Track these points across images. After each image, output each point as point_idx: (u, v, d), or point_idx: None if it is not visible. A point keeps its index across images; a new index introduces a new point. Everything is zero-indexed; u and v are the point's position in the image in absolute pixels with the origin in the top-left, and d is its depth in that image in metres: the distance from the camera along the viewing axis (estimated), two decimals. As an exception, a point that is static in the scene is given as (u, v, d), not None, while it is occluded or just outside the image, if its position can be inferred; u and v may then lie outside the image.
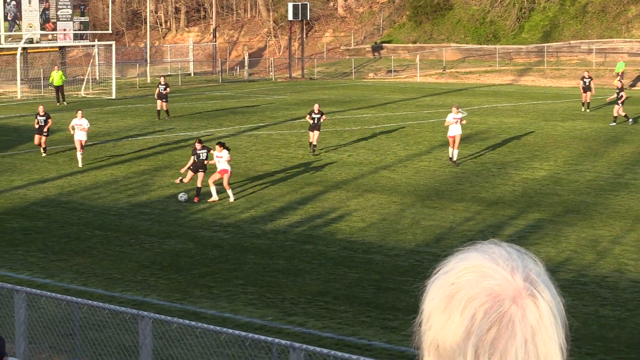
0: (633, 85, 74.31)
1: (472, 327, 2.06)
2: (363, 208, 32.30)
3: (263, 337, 14.59)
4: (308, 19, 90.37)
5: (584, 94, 56.54)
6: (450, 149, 38.95)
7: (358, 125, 51.65)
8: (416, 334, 2.16)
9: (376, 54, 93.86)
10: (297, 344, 13.19)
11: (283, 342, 13.36)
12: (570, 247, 27.46)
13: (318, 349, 14.13)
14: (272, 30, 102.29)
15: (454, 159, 39.12)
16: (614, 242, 27.87)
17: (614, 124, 50.89)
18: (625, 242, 27.80)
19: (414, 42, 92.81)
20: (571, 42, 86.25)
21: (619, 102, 51.04)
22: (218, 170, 32.84)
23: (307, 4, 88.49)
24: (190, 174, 33.40)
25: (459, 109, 38.65)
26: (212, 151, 33.30)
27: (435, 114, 57.08)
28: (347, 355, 13.48)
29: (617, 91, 51.94)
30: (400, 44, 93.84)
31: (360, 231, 29.52)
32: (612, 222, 30.11)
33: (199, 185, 32.85)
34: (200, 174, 33.10)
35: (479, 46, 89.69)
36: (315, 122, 41.29)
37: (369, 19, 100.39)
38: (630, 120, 50.93)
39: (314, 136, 41.67)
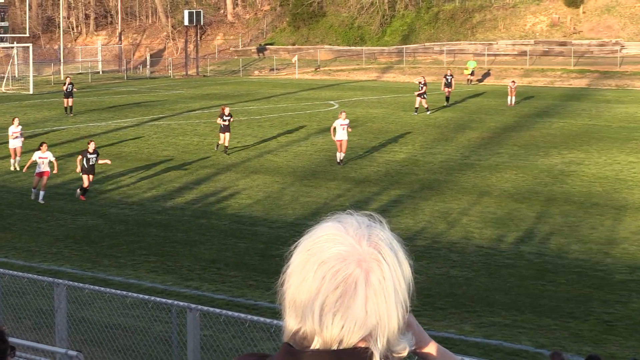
0: (481, 80, 75.42)
1: (321, 287, 2.08)
2: (250, 187, 32.31)
3: (164, 300, 14.53)
4: (202, 24, 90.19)
5: (445, 89, 56.80)
6: (338, 153, 36.30)
7: (245, 116, 51.52)
8: (279, 292, 2.18)
9: (261, 54, 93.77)
10: (193, 305, 13.15)
11: (181, 303, 13.31)
12: (426, 218, 27.83)
13: (212, 309, 14.14)
14: (170, 33, 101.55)
15: (339, 159, 36.06)
16: (462, 213, 28.31)
17: (416, 113, 51.74)
18: (471, 213, 28.27)
19: (293, 44, 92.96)
20: (426, 44, 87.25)
21: (423, 95, 51.11)
22: (42, 170, 30.29)
23: (200, 11, 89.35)
24: (86, 177, 30.36)
25: (346, 116, 36.43)
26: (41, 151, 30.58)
27: (311, 105, 57.27)
28: (236, 314, 13.49)
29: (421, 85, 51.77)
30: (281, 46, 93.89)
31: (248, 207, 29.54)
32: (461, 196, 30.58)
33: (86, 185, 30.40)
34: (90, 177, 30.44)
35: (348, 47, 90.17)
36: (226, 124, 38.50)
37: (255, 24, 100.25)
38: (429, 111, 51.50)
39: (225, 138, 38.65)
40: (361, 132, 44.45)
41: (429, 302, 19.72)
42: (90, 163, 30.30)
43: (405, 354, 2.16)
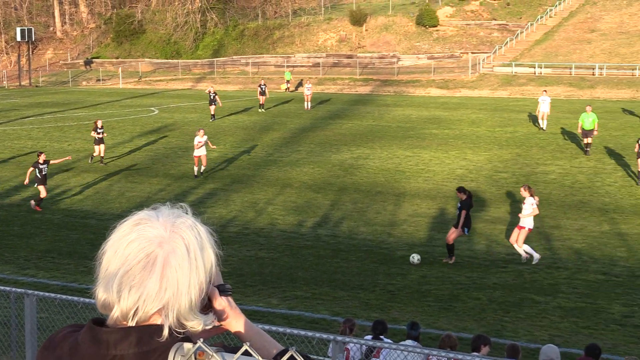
0: (296, 89, 75.88)
1: (125, 262, 2.11)
2: (80, 185, 31.58)
3: (2, 287, 14.00)
4: (33, 39, 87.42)
5: (260, 97, 56.33)
6: (195, 167, 32.90)
7: (75, 122, 50.16)
8: (96, 264, 2.18)
9: (88, 66, 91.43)
10: (30, 291, 12.72)
11: (19, 290, 12.85)
12: (237, 208, 27.86)
13: (47, 294, 13.71)
14: (4, 48, 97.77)
15: (196, 173, 32.70)
16: (268, 203, 28.47)
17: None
18: (275, 203, 28.47)
19: (117, 58, 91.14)
20: (234, 57, 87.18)
21: (214, 103, 50.25)
22: None
23: (32, 29, 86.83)
24: (42, 188, 27.83)
25: (204, 134, 33.11)
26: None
27: (134, 112, 56.25)
28: (70, 297, 13.13)
29: (211, 95, 50.46)
30: (106, 59, 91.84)
31: (79, 202, 28.88)
32: (266, 188, 30.75)
33: (43, 195, 27.84)
34: (44, 187, 27.97)
35: (166, 60, 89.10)
36: (100, 136, 35.38)
37: (82, 40, 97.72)
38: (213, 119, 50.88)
39: (100, 150, 35.57)
40: (179, 134, 44.04)
41: (240, 281, 19.74)
42: (43, 173, 27.93)
43: (199, 329, 2.16)
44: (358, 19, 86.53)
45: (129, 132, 45.72)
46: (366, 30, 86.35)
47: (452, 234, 21.32)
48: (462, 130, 44.84)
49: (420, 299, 18.63)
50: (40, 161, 28.02)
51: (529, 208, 21.48)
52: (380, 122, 49.27)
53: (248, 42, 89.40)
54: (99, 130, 35.55)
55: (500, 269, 20.80)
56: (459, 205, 21.49)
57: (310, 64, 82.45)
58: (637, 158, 30.50)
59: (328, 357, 11.13)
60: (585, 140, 36.70)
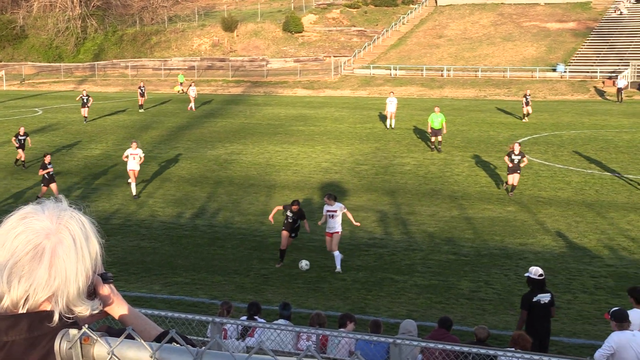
0: (186, 91, 74.81)
1: (14, 254, 2.08)
2: (-33, 182, 30.40)
3: None
4: None
5: (140, 98, 54.73)
6: (132, 183, 28.23)
7: (-40, 122, 48.18)
8: None
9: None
10: None
11: None
12: (119, 202, 27.33)
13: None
14: None
15: (134, 193, 27.97)
16: (149, 196, 28.04)
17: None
18: (156, 196, 28.07)
19: (0, 61, 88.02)
20: (113, 60, 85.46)
21: (86, 106, 48.95)
22: None
23: None
24: (44, 188, 26.48)
25: (138, 146, 28.86)
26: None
27: (18, 112, 54.42)
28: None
29: (84, 98, 49.46)
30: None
31: (-34, 199, 27.78)
32: (147, 183, 30.25)
33: (55, 194, 24.54)
34: (54, 185, 26.68)
35: (49, 64, 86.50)
36: (22, 142, 33.05)
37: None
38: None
39: (21, 154, 33.26)
40: (63, 133, 42.87)
41: (124, 269, 19.40)
42: (51, 174, 26.76)
43: (87, 314, 2.15)
44: (230, 25, 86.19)
45: (14, 131, 44.09)
46: (237, 35, 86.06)
47: (287, 240, 20.29)
48: (327, 127, 45.23)
49: (291, 281, 18.71)
50: (47, 161, 26.84)
51: (340, 212, 19.90)
52: (251, 120, 49.18)
53: (127, 47, 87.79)
54: (20, 137, 33.52)
55: (362, 252, 21.08)
56: (294, 217, 20.17)
57: (186, 67, 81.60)
58: (508, 173, 27.70)
59: (207, 337, 11.05)
60: (434, 139, 36.64)
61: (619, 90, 58.60)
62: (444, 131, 36.84)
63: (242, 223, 24.36)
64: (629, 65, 64.22)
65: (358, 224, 21.23)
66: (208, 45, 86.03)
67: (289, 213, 20.44)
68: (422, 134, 41.85)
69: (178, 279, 18.93)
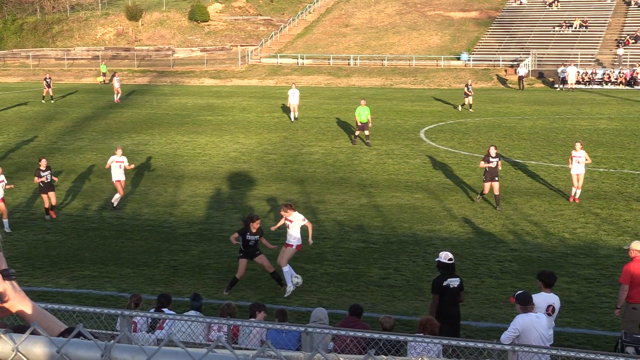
0: (110, 80, 73.06)
1: None
2: None
3: None
4: None
5: (46, 89, 53.36)
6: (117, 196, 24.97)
7: None
8: None
9: None
10: None
11: None
12: (22, 195, 26.65)
13: None
14: None
15: (114, 204, 24.63)
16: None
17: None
18: (61, 188, 27.37)
19: None
20: (13, 50, 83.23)
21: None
22: None
23: None
24: (46, 197, 23.39)
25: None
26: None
27: None
28: None
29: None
30: None
31: None
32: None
33: (53, 203, 23.66)
34: (51, 194, 23.53)
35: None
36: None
37: None
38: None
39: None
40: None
41: (29, 264, 18.93)
42: (47, 181, 23.44)
43: None
44: (134, 14, 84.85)
45: None
46: (142, 24, 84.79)
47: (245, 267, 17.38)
48: (235, 117, 45.03)
49: (201, 272, 18.58)
50: (42, 167, 23.47)
51: (298, 224, 17.63)
52: (158, 110, 48.59)
53: (28, 36, 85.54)
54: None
55: (272, 242, 21.04)
56: (255, 237, 17.26)
57: (90, 57, 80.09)
58: (484, 181, 24.49)
59: (116, 331, 10.89)
60: (359, 133, 35.23)
61: (521, 78, 60.08)
62: (370, 124, 35.46)
63: (150, 214, 24.06)
64: (529, 54, 65.86)
65: (274, 247, 18.09)
66: (112, 35, 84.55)
67: (248, 236, 17.07)
68: (330, 122, 42.08)
69: (85, 272, 18.58)
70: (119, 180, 24.62)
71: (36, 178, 23.47)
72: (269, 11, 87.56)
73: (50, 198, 23.47)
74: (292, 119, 43.12)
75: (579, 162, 24.64)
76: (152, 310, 12.37)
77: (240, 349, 10.57)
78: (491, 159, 24.07)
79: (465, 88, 46.93)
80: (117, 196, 24.68)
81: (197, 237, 21.60)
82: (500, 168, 24.56)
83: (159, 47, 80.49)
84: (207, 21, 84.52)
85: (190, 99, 54.47)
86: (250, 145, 35.51)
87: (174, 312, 12.33)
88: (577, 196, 24.91)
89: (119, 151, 24.96)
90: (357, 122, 35.35)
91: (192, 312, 12.28)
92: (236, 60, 73.89)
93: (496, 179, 24.02)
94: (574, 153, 24.93)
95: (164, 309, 12.26)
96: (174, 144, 35.90)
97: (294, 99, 42.94)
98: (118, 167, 24.58)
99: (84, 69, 77.10)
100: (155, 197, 26.31)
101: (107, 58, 78.86)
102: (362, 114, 34.94)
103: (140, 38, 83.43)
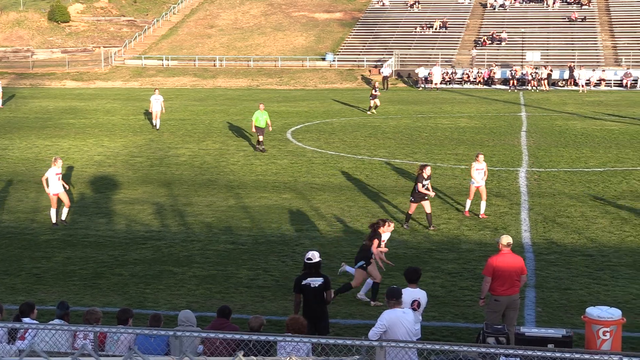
0: None
1: None
2: None
3: None
4: None
5: None
6: (53, 210, 22.96)
7: None
8: None
9: None
10: None
11: None
12: None
13: None
14: None
15: (57, 220, 22.86)
16: None
17: None
18: None
19: None
20: None
21: None
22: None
23: None
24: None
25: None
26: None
27: None
28: None
29: None
30: None
31: None
32: None
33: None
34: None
35: None
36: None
37: None
38: None
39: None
40: None
41: None
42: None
43: None
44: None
45: None
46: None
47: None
48: (99, 119, 44.10)
49: (66, 279, 18.12)
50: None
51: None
52: (17, 113, 47.02)
53: None
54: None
55: (140, 246, 20.77)
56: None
57: (-58, 58, 76.63)
58: (412, 202, 22.42)
59: (-24, 344, 10.46)
60: (261, 138, 34.07)
61: (385, 78, 61.28)
62: (270, 129, 35.01)
63: (10, 221, 23.27)
64: (392, 54, 67.27)
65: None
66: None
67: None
68: (196, 124, 41.78)
69: (-59, 284, 17.80)
70: (58, 194, 22.86)
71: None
72: (132, 12, 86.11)
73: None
74: (154, 127, 40.44)
75: (480, 174, 23.13)
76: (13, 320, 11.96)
77: (107, 356, 10.38)
78: (424, 182, 21.98)
79: (373, 90, 47.21)
80: (53, 212, 22.95)
81: (61, 243, 21.04)
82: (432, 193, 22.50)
83: (17, 49, 77.89)
84: (68, 22, 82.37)
85: (52, 102, 52.94)
86: (116, 149, 34.85)
87: (36, 321, 11.97)
88: (483, 210, 23.23)
89: (59, 161, 23.35)
90: (252, 127, 34.25)
91: (56, 321, 11.96)
92: (99, 62, 72.32)
93: (426, 198, 21.95)
94: (476, 165, 23.17)
95: (25, 319, 11.88)
96: (35, 149, 34.84)
97: (156, 106, 40.31)
98: (58, 179, 22.86)
99: None
100: (15, 203, 25.47)
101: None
102: (260, 118, 33.91)
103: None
